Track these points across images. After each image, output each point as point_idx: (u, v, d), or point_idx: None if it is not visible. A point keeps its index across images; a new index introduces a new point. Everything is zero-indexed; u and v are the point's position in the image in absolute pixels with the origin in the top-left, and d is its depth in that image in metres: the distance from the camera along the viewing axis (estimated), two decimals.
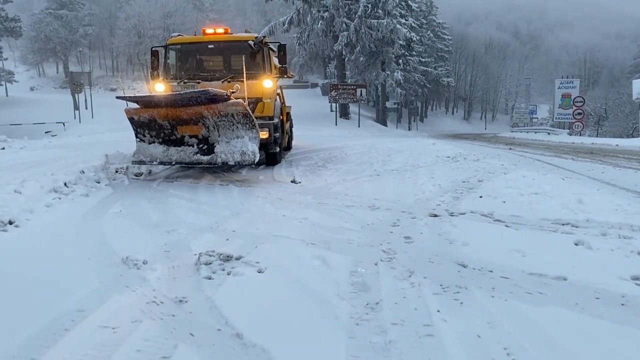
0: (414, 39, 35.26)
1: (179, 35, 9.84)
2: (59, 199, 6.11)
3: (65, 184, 6.69)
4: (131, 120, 7.78)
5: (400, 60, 37.41)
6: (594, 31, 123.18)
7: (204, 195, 6.62)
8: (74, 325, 2.69)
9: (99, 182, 7.40)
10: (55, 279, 3.48)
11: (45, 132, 22.35)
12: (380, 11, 30.51)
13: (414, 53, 44.35)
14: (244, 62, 7.81)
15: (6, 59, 42.56)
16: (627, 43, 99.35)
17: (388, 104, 43.64)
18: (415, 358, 2.27)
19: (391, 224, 4.84)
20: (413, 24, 37.29)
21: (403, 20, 32.56)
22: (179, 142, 7.63)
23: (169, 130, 7.63)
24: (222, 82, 8.46)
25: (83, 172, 7.43)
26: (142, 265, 3.69)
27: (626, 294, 2.96)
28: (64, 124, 23.71)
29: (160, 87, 8.79)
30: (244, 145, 7.14)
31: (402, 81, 37.61)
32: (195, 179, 7.89)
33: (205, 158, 7.33)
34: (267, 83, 8.75)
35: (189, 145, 7.58)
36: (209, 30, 9.37)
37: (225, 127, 7.28)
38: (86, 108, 29.94)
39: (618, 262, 3.57)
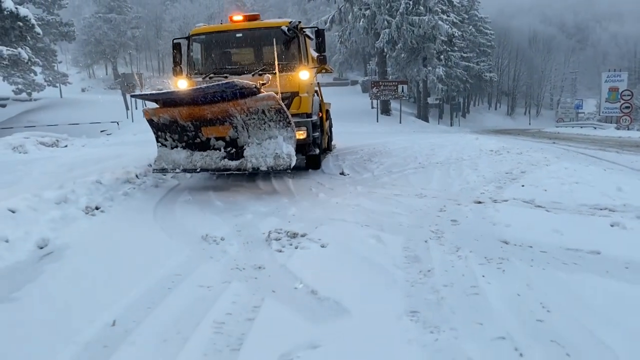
0: (456, 34, 35.16)
1: (203, 25, 8.66)
2: (134, 188, 6.78)
3: (136, 176, 7.39)
4: (150, 122, 6.84)
5: (442, 56, 37.33)
6: None
7: (262, 184, 7.20)
8: (175, 285, 3.25)
9: (165, 175, 8.10)
10: (147, 251, 4.08)
11: (101, 131, 23.58)
12: (422, 8, 30.63)
13: (456, 48, 44.09)
14: (275, 51, 6.85)
15: (60, 62, 44.64)
16: None
17: (429, 100, 43.53)
18: (464, 310, 2.71)
19: (438, 210, 5.26)
20: (455, 20, 37.13)
21: (444, 17, 32.57)
22: (204, 146, 6.70)
23: (193, 133, 6.68)
24: (253, 75, 7.48)
25: (150, 165, 8.15)
26: (220, 241, 4.26)
27: None
28: (118, 123, 24.94)
29: (182, 84, 7.81)
30: (278, 146, 6.12)
31: (443, 77, 37.58)
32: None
33: (233, 163, 6.32)
34: (304, 75, 7.63)
35: (216, 149, 6.62)
36: (237, 17, 8.21)
37: (255, 126, 6.27)
38: (136, 108, 31.25)
39: None
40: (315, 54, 8.71)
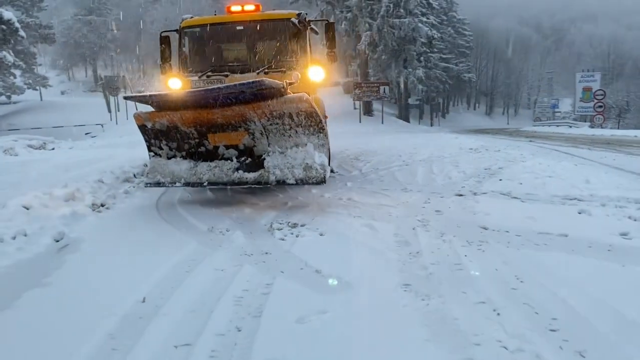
0: (435, 36, 35.90)
1: (191, 17, 7.50)
2: (133, 187, 7.10)
3: (134, 175, 7.73)
4: (143, 128, 5.97)
5: (422, 58, 38.03)
6: (619, 23, 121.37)
7: None
8: (192, 269, 3.63)
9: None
10: (159, 241, 4.44)
11: (85, 134, 23.67)
12: (402, 10, 31.24)
13: (435, 50, 44.93)
14: (288, 45, 6.35)
15: (40, 64, 44.37)
16: None
17: (410, 101, 44.26)
18: (449, 282, 3.14)
19: (423, 202, 5.71)
20: (434, 22, 37.90)
21: (424, 19, 33.27)
22: (211, 156, 5.87)
23: (196, 140, 5.87)
24: (258, 73, 6.70)
25: (146, 165, 8.47)
26: (225, 232, 4.64)
27: (613, 244, 3.80)
28: (102, 125, 25.03)
29: (175, 83, 6.97)
30: (308, 156, 5.29)
31: (423, 78, 38.20)
32: None
33: (250, 176, 5.49)
34: (317, 73, 6.83)
35: (226, 159, 5.78)
36: (235, 8, 7.27)
37: (278, 132, 5.46)
38: (118, 110, 31.33)
39: (611, 224, 4.40)
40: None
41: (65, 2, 65.81)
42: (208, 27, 7.27)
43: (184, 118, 5.69)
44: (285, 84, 5.26)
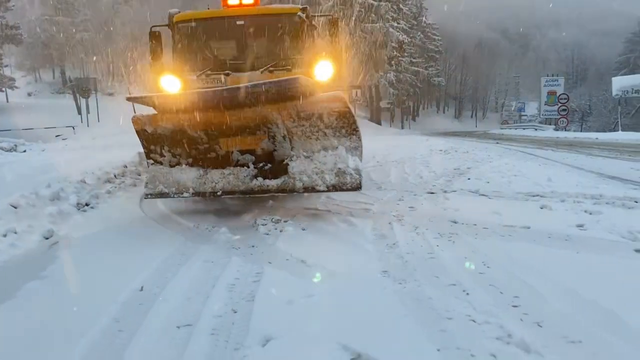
0: (406, 40, 36.57)
1: (179, 12, 6.96)
2: (115, 187, 7.24)
3: (115, 176, 7.86)
4: (142, 133, 5.39)
5: (393, 62, 38.70)
6: (582, 29, 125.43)
7: None
8: (184, 261, 3.85)
9: (140, 175, 8.56)
10: (147, 237, 4.65)
11: (56, 136, 23.39)
12: (374, 15, 31.79)
13: (406, 54, 45.70)
14: (294, 42, 6.08)
15: (6, 65, 43.41)
16: (613, 40, 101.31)
17: (381, 104, 44.94)
18: (423, 268, 3.45)
19: (397, 199, 6.04)
20: (405, 27, 38.58)
21: (395, 24, 33.87)
22: (223, 162, 5.35)
23: (206, 145, 5.34)
24: (262, 72, 6.39)
25: (126, 166, 8.60)
26: (211, 228, 4.88)
27: (570, 234, 4.18)
28: (73, 128, 24.78)
29: (171, 83, 6.47)
30: (340, 160, 4.91)
31: (394, 82, 38.95)
32: None
33: (273, 183, 5.03)
34: (324, 71, 6.31)
35: (241, 166, 5.29)
36: (233, 1, 6.81)
37: (304, 134, 5.04)
38: (88, 112, 30.98)
39: (569, 217, 4.80)
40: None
41: (32, 1, 64.44)
42: (205, 21, 6.78)
43: (193, 121, 5.15)
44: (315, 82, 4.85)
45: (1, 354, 2.52)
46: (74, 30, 55.58)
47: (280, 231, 4.62)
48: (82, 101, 29.76)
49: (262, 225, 4.79)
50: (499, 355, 2.24)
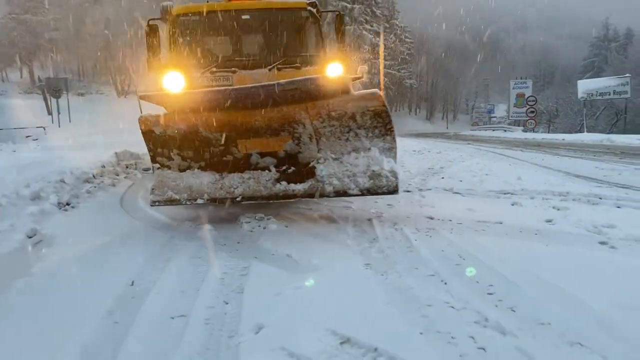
0: (379, 43, 37.01)
1: (172, 4, 6.49)
2: (94, 187, 7.26)
3: (93, 176, 7.85)
4: (148, 134, 4.86)
5: (366, 64, 39.09)
6: (549, 32, 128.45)
7: None
8: (172, 257, 3.96)
9: (118, 175, 8.57)
10: (133, 235, 4.73)
11: (26, 137, 22.86)
12: (348, 18, 32.07)
13: (378, 56, 46.18)
14: (303, 38, 5.80)
15: None
16: (580, 44, 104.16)
17: None
18: (403, 261, 3.63)
19: (376, 197, 6.20)
20: (377, 30, 39.04)
21: (369, 27, 34.26)
22: (242, 166, 4.98)
23: (222, 147, 4.93)
24: (270, 69, 6.06)
25: (104, 166, 8.59)
26: (196, 226, 4.98)
27: (539, 229, 4.43)
28: (44, 128, 24.28)
29: (176, 80, 5.93)
30: (374, 161, 4.63)
31: (367, 84, 39.28)
32: None
33: (299, 187, 4.68)
34: (335, 70, 5.98)
35: (261, 169, 4.93)
36: None
37: (332, 135, 4.76)
38: (59, 113, 30.40)
39: (538, 213, 5.07)
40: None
41: None
42: (208, 15, 6.31)
43: (209, 121, 4.76)
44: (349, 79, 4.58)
45: (0, 352, 2.60)
46: (42, 29, 54.45)
47: (264, 228, 4.76)
48: (53, 101, 29.15)
49: (246, 222, 4.91)
50: (477, 337, 2.42)
